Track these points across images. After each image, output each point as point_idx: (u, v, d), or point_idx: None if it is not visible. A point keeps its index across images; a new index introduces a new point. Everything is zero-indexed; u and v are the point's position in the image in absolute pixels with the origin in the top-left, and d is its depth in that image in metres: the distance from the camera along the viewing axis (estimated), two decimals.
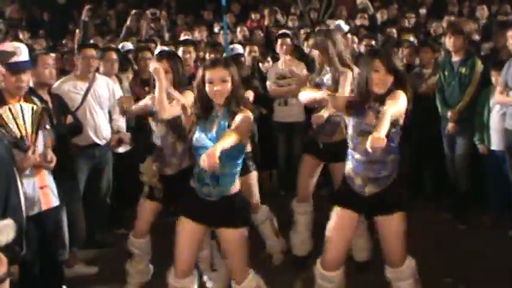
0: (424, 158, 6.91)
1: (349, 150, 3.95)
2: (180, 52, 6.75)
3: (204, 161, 3.30)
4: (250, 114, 3.73)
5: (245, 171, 4.81)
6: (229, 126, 3.69)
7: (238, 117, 3.66)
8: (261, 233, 5.27)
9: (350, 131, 3.90)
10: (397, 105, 3.65)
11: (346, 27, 6.71)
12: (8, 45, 4.14)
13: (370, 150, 3.34)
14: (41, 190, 4.15)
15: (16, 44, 4.26)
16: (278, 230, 5.35)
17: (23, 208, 3.48)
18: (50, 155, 4.09)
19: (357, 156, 3.87)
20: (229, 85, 3.71)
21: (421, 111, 6.49)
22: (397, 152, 3.89)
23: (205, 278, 4.68)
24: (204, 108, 3.80)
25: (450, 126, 6.12)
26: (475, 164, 6.24)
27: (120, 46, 7.93)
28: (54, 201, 4.28)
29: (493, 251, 5.42)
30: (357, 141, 3.85)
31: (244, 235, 3.90)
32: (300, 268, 5.09)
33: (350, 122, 3.91)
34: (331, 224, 4.01)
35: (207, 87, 3.72)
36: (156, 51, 7.29)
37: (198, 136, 3.79)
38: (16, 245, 3.18)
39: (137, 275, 4.82)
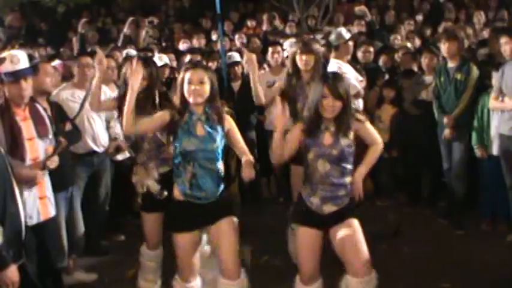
0: (421, 163, 6.94)
1: (306, 174, 4.05)
2: (187, 60, 6.81)
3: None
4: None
5: None
6: (219, 124, 3.93)
7: (230, 123, 3.99)
8: None
9: (310, 154, 3.98)
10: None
11: (347, 35, 6.74)
12: (4, 56, 4.15)
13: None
14: (40, 201, 4.17)
15: (13, 52, 4.26)
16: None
17: (22, 216, 3.51)
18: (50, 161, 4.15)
19: (315, 179, 3.97)
20: (207, 87, 3.88)
21: (419, 117, 6.58)
22: (352, 172, 4.02)
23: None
24: (181, 109, 3.92)
25: (447, 132, 6.15)
26: (472, 169, 6.27)
27: (124, 53, 7.97)
28: (52, 212, 4.31)
29: (490, 257, 5.42)
30: (317, 163, 3.94)
31: (236, 226, 4.02)
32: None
33: (309, 145, 3.98)
34: (298, 244, 4.09)
35: (185, 88, 3.88)
36: (155, 59, 7.36)
37: (187, 140, 3.88)
38: (4, 250, 3.21)
39: (147, 284, 4.80)
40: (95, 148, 5.64)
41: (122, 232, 6.38)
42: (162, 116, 3.94)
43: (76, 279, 5.30)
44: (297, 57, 5.07)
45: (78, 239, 5.43)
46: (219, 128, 3.93)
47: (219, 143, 3.92)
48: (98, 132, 5.65)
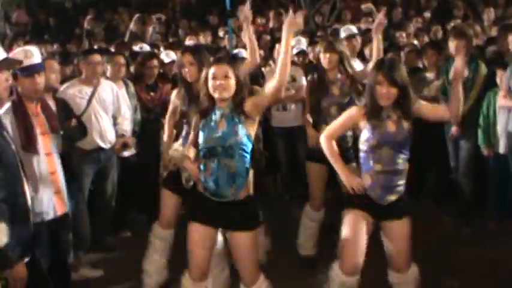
0: (428, 161, 6.90)
1: (366, 163, 3.99)
2: None
3: None
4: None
5: None
6: (239, 120, 3.80)
7: (250, 101, 3.85)
8: None
9: (372, 142, 3.93)
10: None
11: (355, 31, 6.77)
12: (19, 51, 4.16)
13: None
14: (55, 196, 4.17)
15: (27, 47, 4.27)
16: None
17: (31, 213, 3.51)
18: None
19: (378, 167, 3.94)
20: (232, 81, 3.80)
21: None
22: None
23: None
24: (205, 105, 3.88)
25: (454, 129, 6.12)
26: (479, 167, 6.24)
27: (138, 47, 7.97)
28: (66, 207, 4.30)
29: (498, 255, 5.40)
30: (381, 150, 3.91)
31: (257, 237, 3.96)
32: (309, 269, 5.12)
33: (369, 132, 3.95)
34: (348, 228, 4.00)
35: (210, 83, 3.81)
36: (162, 55, 7.36)
37: (208, 136, 3.83)
38: (10, 249, 3.21)
39: (155, 271, 4.79)
40: (102, 145, 5.64)
41: (127, 228, 6.38)
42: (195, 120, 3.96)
43: (82, 275, 5.31)
44: (321, 56, 5.13)
45: (84, 235, 5.41)
46: (241, 119, 3.81)
47: (241, 136, 3.78)
48: (105, 128, 5.64)
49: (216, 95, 3.81)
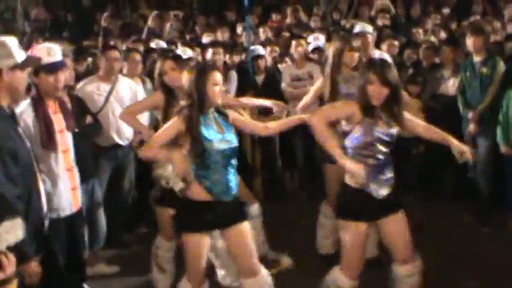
0: (445, 159, 6.83)
1: (358, 159, 3.93)
2: (209, 53, 6.81)
3: None
4: None
5: None
6: (227, 118, 3.95)
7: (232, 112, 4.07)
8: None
9: (365, 138, 3.91)
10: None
11: (368, 29, 6.75)
12: (42, 48, 4.19)
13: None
14: (72, 192, 4.21)
15: (49, 44, 4.30)
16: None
17: (44, 209, 3.55)
18: None
19: (371, 161, 3.92)
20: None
21: (441, 111, 6.49)
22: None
23: (219, 274, 4.71)
24: (201, 108, 3.85)
25: (472, 127, 6.07)
26: (498, 165, 6.17)
27: (153, 44, 7.99)
28: (81, 203, 4.35)
29: None
30: (374, 147, 3.90)
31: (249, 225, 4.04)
32: (324, 266, 5.09)
33: (362, 130, 3.92)
34: (350, 241, 4.02)
35: (211, 89, 3.81)
36: (179, 52, 7.36)
37: (219, 141, 3.83)
38: (26, 244, 3.24)
39: (161, 276, 4.82)
40: (119, 141, 5.67)
41: (143, 224, 6.40)
42: (175, 125, 3.85)
43: (98, 271, 5.34)
44: (345, 54, 5.09)
45: (100, 231, 5.45)
46: (229, 123, 3.95)
47: (235, 136, 3.94)
48: (122, 125, 5.65)
49: (217, 101, 3.87)
